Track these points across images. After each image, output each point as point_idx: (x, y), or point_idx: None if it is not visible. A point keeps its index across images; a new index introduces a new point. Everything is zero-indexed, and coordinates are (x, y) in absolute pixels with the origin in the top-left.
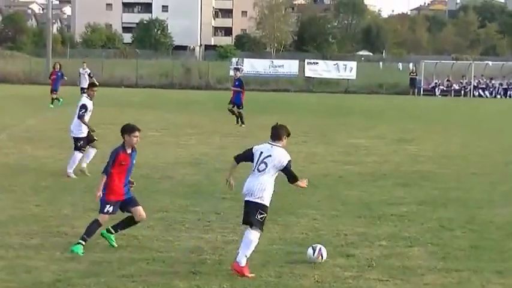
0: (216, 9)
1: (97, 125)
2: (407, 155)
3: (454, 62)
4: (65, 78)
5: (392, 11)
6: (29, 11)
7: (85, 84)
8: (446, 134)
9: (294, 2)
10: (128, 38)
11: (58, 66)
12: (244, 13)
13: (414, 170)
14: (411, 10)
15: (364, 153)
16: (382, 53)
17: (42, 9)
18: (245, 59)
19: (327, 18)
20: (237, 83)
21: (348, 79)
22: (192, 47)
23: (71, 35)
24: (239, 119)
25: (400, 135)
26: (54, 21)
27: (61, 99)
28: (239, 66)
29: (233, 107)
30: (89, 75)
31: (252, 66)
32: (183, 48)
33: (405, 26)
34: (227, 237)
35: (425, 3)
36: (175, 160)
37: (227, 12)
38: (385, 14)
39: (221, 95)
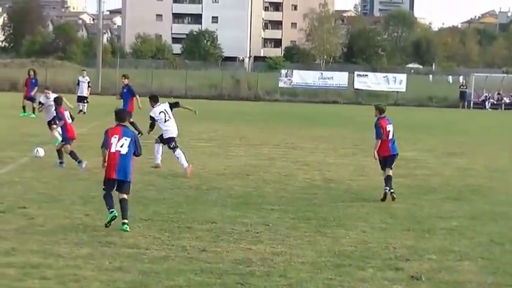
0: (265, 20)
1: (148, 135)
2: (457, 168)
3: (505, 75)
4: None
5: (443, 23)
6: (80, 22)
7: (85, 93)
8: (497, 147)
9: (344, 14)
10: (177, 48)
11: (32, 73)
12: (293, 25)
13: (464, 183)
14: (462, 23)
15: (413, 166)
16: (432, 66)
17: (93, 19)
18: (294, 71)
19: (377, 30)
20: (125, 90)
21: (398, 92)
22: (241, 58)
23: (121, 46)
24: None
25: (450, 148)
26: (104, 31)
27: (28, 113)
28: (126, 74)
29: None
30: (88, 83)
31: (302, 77)
32: (233, 59)
33: (455, 39)
34: (276, 249)
35: (476, 16)
36: (224, 171)
37: (277, 24)
38: (435, 27)
39: (270, 106)
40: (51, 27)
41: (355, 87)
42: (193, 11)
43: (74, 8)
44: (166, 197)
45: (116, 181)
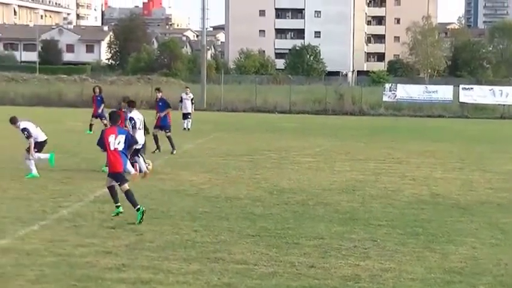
0: (368, 34)
1: (254, 151)
2: None
3: None
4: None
5: None
6: (184, 38)
7: (189, 109)
8: None
9: (448, 27)
10: (280, 64)
11: (98, 90)
12: (396, 38)
13: None
14: None
15: None
16: None
17: (197, 36)
18: (398, 85)
19: (481, 42)
20: (160, 104)
21: (504, 105)
22: (344, 72)
23: (225, 61)
24: (171, 145)
25: None
26: (208, 47)
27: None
28: (159, 86)
29: (160, 131)
30: (191, 100)
31: (406, 91)
32: (336, 74)
33: None
34: (384, 265)
35: None
36: (330, 186)
37: (379, 38)
38: None
39: (374, 120)
40: (156, 45)
41: (461, 100)
42: (295, 26)
43: (178, 25)
44: (274, 212)
45: (121, 174)
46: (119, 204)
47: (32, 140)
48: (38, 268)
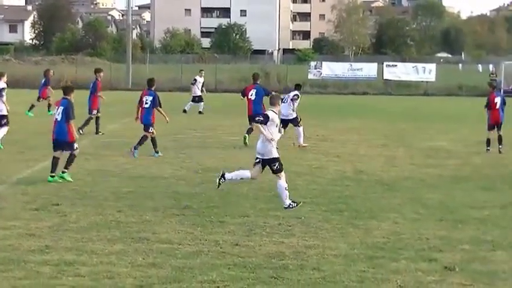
0: (294, 13)
1: (179, 130)
2: (489, 157)
3: None
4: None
5: (471, 12)
6: (109, 18)
7: (198, 93)
8: None
9: (372, 5)
10: (206, 42)
11: (52, 73)
12: (322, 16)
13: (496, 173)
14: (490, 11)
15: (445, 156)
16: (461, 55)
17: (122, 15)
18: (323, 63)
19: (405, 20)
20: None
21: (427, 81)
22: (270, 51)
23: (150, 41)
24: (84, 124)
25: (481, 137)
26: (133, 27)
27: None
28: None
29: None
30: (202, 84)
31: (331, 69)
32: (262, 52)
33: (484, 27)
34: (308, 242)
35: (504, 4)
36: None
37: (305, 16)
38: (464, 16)
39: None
40: (80, 24)
41: (385, 77)
42: (221, 4)
43: (103, 5)
44: (198, 191)
45: (57, 141)
46: (53, 174)
47: None
48: None
